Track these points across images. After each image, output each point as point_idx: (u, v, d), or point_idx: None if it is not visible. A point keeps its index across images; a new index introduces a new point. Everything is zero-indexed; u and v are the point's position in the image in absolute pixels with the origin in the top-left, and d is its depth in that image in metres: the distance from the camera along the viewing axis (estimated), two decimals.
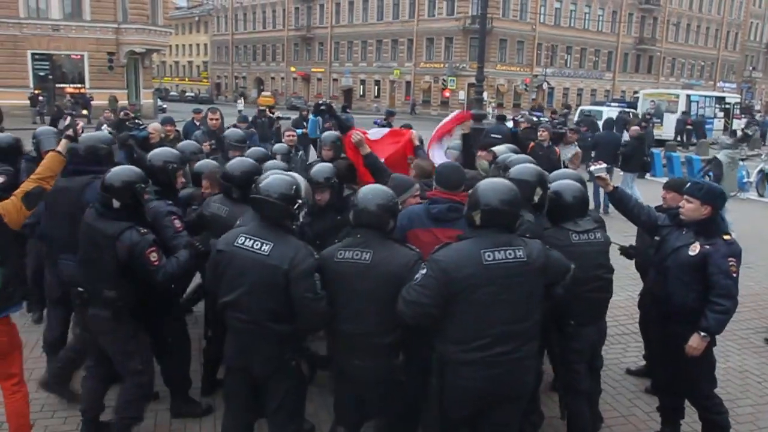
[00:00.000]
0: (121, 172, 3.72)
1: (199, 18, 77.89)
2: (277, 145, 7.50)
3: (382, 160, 5.17)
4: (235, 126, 9.47)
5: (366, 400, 3.39)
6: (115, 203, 3.62)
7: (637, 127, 14.03)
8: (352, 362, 3.26)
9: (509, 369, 3.03)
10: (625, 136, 14.44)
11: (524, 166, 3.96)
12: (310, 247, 3.32)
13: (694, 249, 3.89)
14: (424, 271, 3.01)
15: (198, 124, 11.42)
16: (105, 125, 9.91)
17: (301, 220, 3.44)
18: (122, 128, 8.49)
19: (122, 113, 11.71)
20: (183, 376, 4.44)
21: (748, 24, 68.25)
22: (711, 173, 11.25)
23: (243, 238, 3.26)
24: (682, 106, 29.77)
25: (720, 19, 64.95)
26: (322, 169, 4.78)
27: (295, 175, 3.77)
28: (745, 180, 15.43)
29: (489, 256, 2.96)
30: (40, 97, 29.98)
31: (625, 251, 4.82)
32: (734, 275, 3.85)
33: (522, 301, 3.03)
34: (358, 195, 3.31)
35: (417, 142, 5.60)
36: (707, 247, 3.86)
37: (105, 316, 3.69)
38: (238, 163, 4.41)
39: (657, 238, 4.23)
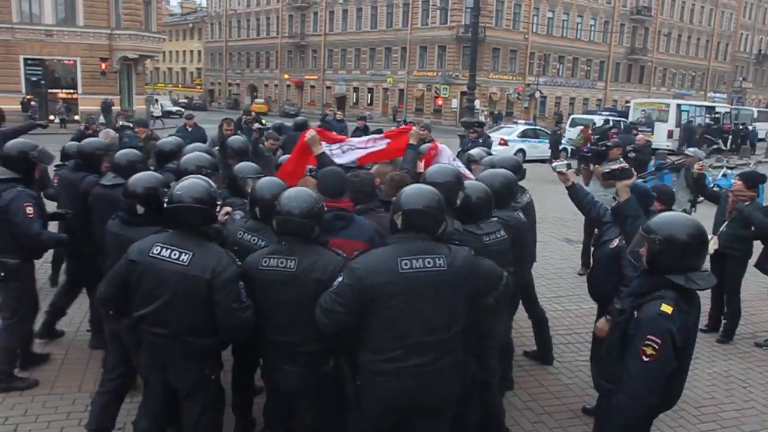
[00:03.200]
0: (143, 178, 3.73)
1: (192, 25, 77.93)
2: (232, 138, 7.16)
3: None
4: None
5: (295, 407, 3.32)
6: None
7: (642, 135, 14.28)
8: (281, 368, 3.20)
9: (426, 381, 2.92)
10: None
11: (441, 167, 3.86)
12: (231, 254, 3.18)
13: (614, 243, 4.26)
14: (340, 279, 2.92)
15: (190, 130, 11.44)
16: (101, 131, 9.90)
17: (219, 222, 3.39)
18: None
19: (119, 120, 11.72)
20: None
21: (738, 35, 68.84)
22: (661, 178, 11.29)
23: (159, 248, 3.09)
24: (672, 116, 30.00)
25: (710, 30, 65.52)
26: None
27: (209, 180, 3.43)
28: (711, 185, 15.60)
29: (406, 264, 2.86)
30: (32, 103, 29.85)
31: None
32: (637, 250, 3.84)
33: (440, 310, 2.92)
34: (281, 200, 3.14)
35: (412, 140, 5.07)
36: (623, 241, 4.12)
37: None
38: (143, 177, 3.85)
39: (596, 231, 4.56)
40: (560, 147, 22.35)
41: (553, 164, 4.93)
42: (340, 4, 57.35)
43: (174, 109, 44.62)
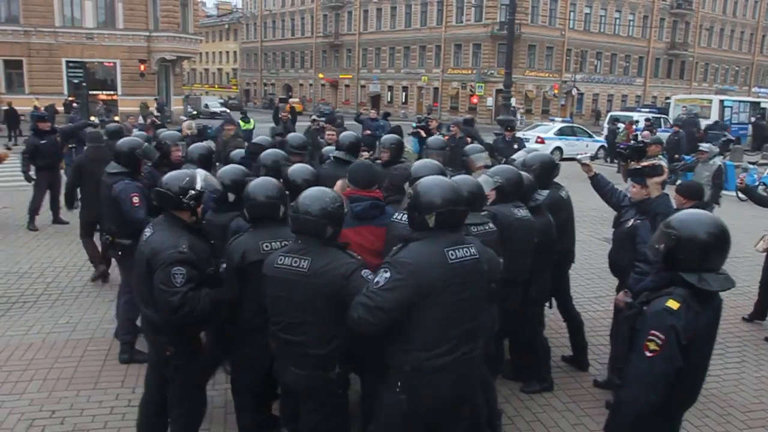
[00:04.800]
0: (231, 170, 4.36)
1: (228, 26, 78.90)
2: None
3: None
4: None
5: (300, 409, 3.30)
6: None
7: (647, 132, 14.23)
8: (288, 369, 3.18)
9: (472, 368, 3.03)
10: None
11: (426, 163, 4.12)
12: (182, 240, 3.32)
13: (630, 222, 4.88)
14: (387, 275, 2.82)
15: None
16: (135, 130, 10.23)
17: (196, 208, 3.54)
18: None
19: (149, 119, 12.08)
20: None
21: None
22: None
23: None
24: (715, 112, 29.25)
25: (755, 23, 63.66)
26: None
27: (193, 171, 3.69)
28: (756, 183, 15.22)
29: (452, 254, 2.88)
30: (74, 104, 30.59)
31: None
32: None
33: (476, 298, 3.00)
34: (298, 199, 3.16)
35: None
36: (638, 221, 4.80)
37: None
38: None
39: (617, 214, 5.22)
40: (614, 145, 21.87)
41: (578, 157, 5.70)
42: (375, 3, 57.39)
43: (219, 110, 44.68)
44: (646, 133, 14.23)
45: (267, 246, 3.39)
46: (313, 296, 3.00)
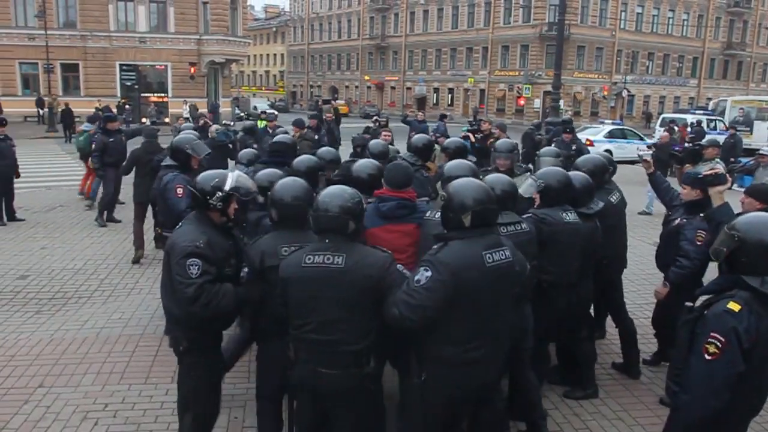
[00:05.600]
0: (305, 159, 4.70)
1: (276, 28, 79.99)
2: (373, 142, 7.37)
3: None
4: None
5: (330, 412, 3.23)
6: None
7: (666, 134, 13.88)
8: (317, 371, 3.08)
9: (497, 361, 3.16)
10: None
11: (458, 164, 4.22)
12: (203, 237, 3.33)
13: (677, 221, 5.01)
14: (429, 273, 2.88)
15: (271, 131, 11.74)
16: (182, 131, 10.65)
17: (223, 209, 3.49)
18: (204, 133, 9.55)
19: (201, 120, 12.47)
20: None
21: None
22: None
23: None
24: None
25: None
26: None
27: (226, 172, 3.69)
28: None
29: (489, 258, 2.98)
30: (127, 106, 31.51)
31: None
32: (698, 243, 4.65)
33: (508, 299, 3.13)
34: (318, 198, 3.17)
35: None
36: (684, 220, 4.91)
37: None
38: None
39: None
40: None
41: (639, 153, 6.26)
42: (421, 4, 57.35)
43: (269, 111, 45.39)
44: (665, 134, 13.77)
45: (285, 250, 3.30)
46: (349, 291, 2.99)
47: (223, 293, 3.30)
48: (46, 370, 5.13)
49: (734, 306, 2.62)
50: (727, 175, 5.10)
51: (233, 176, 3.60)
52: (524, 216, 4.16)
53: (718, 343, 2.60)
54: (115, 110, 29.54)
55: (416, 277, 2.91)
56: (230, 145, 10.29)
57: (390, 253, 3.16)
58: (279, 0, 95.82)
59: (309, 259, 3.04)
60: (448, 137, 8.82)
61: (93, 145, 10.77)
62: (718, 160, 9.66)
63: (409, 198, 3.96)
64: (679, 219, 4.98)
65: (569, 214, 4.27)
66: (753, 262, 2.67)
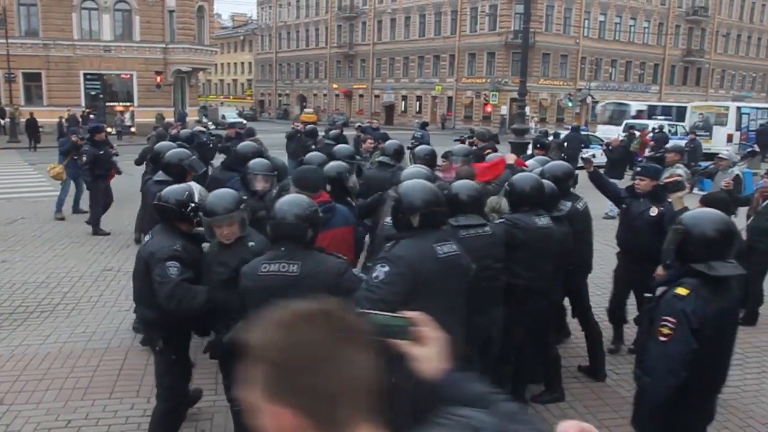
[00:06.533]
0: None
1: (243, 37, 79.57)
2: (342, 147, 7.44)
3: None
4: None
5: None
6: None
7: (617, 137, 14.43)
8: None
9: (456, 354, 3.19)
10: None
11: (415, 169, 4.46)
12: (177, 242, 3.59)
13: (654, 210, 5.36)
14: (386, 269, 3.00)
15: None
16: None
17: (193, 218, 3.74)
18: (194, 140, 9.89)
19: (197, 127, 12.92)
20: None
21: None
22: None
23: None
24: (732, 119, 28.94)
25: None
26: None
27: (189, 185, 4.05)
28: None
29: (440, 250, 3.15)
30: (91, 116, 30.98)
31: None
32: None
33: (460, 291, 3.26)
34: (275, 206, 3.23)
35: (509, 161, 6.02)
36: (662, 208, 5.31)
37: None
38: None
39: (624, 206, 5.75)
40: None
41: (582, 155, 5.97)
42: (389, 13, 57.64)
43: (235, 120, 44.78)
44: (615, 138, 14.07)
45: (265, 268, 3.19)
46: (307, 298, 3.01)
47: (195, 293, 3.52)
48: (6, 387, 5.01)
49: (682, 291, 2.89)
50: (686, 182, 5.72)
51: (197, 189, 3.92)
52: (498, 221, 4.24)
53: (671, 325, 2.86)
54: (80, 120, 29.21)
55: (374, 274, 3.01)
56: (210, 146, 10.55)
57: (345, 259, 3.26)
58: (246, 8, 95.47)
59: (265, 267, 3.10)
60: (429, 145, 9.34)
61: (84, 158, 10.57)
62: (679, 165, 9.89)
63: (324, 201, 4.11)
64: (653, 207, 5.36)
65: (542, 218, 4.33)
66: (697, 251, 2.95)
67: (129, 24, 34.42)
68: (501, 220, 4.28)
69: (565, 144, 16.99)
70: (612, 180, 7.46)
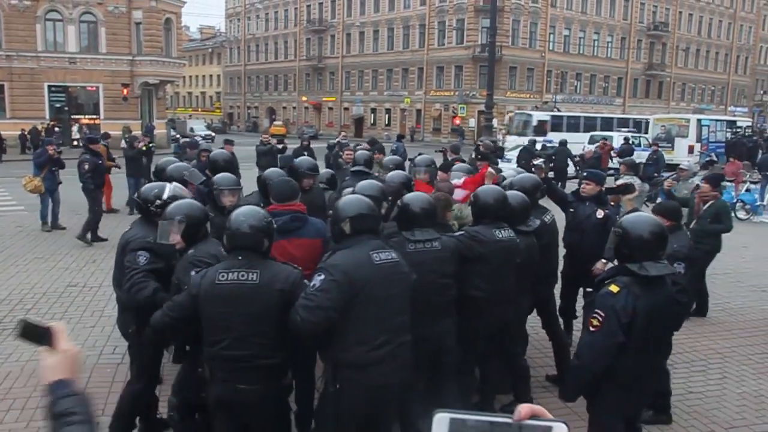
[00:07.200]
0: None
1: (212, 49, 79.12)
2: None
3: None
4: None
5: (248, 426, 3.33)
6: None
7: (591, 149, 14.73)
8: (236, 387, 3.15)
9: (408, 358, 3.36)
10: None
11: (368, 183, 4.52)
12: (148, 233, 3.82)
13: (600, 213, 5.67)
14: (322, 277, 3.11)
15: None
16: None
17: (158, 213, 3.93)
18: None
19: (141, 144, 12.72)
20: None
21: (758, 48, 68.23)
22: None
23: None
24: (693, 131, 29.69)
25: (729, 44, 65.03)
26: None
27: (165, 183, 4.37)
28: (758, 203, 15.33)
29: (377, 257, 3.25)
30: (56, 128, 30.45)
31: None
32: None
33: (402, 295, 3.34)
34: (231, 217, 3.27)
35: (488, 182, 5.81)
36: (607, 211, 5.70)
37: None
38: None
39: (571, 210, 5.97)
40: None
41: (534, 162, 6.59)
42: (357, 26, 57.90)
43: (204, 133, 43.98)
44: (589, 150, 14.45)
45: (223, 276, 3.17)
46: (263, 306, 3.11)
47: (145, 286, 3.70)
48: None
49: (614, 288, 3.22)
50: (636, 185, 6.19)
51: (170, 187, 4.18)
52: (457, 233, 4.28)
53: (600, 318, 3.20)
54: (43, 133, 28.70)
55: (312, 283, 3.13)
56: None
57: (300, 270, 3.32)
58: (214, 21, 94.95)
59: (223, 276, 3.11)
60: (404, 157, 10.23)
61: (86, 166, 10.87)
62: (632, 174, 10.39)
63: (298, 210, 4.21)
64: (599, 210, 5.72)
65: (503, 231, 4.33)
66: (632, 252, 3.29)
67: (95, 36, 33.93)
68: (460, 233, 4.31)
69: (553, 157, 17.84)
70: None
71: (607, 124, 34.32)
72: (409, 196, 4.12)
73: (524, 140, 22.94)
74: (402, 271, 3.36)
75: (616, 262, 4.18)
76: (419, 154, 6.98)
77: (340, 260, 3.18)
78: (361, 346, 3.15)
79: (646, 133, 31.00)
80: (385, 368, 3.18)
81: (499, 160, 12.72)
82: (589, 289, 3.46)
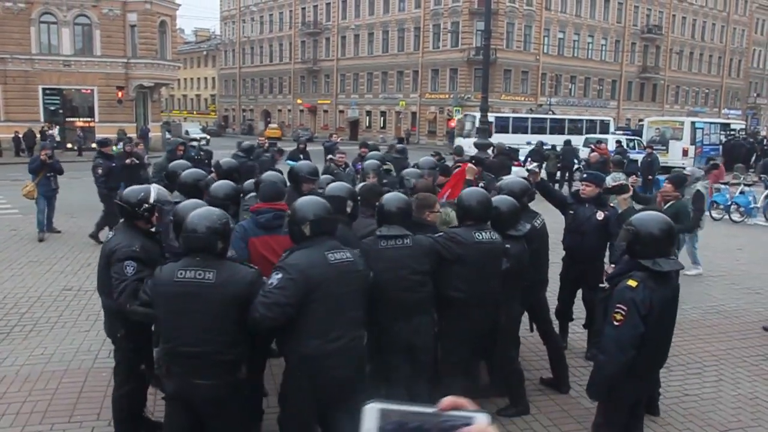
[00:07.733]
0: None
1: (207, 52, 79.04)
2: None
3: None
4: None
5: (205, 419, 3.41)
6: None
7: (596, 154, 14.86)
8: (192, 382, 3.28)
9: (361, 352, 3.56)
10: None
11: (337, 184, 4.59)
12: (136, 242, 3.82)
13: (600, 215, 5.79)
14: (279, 276, 3.28)
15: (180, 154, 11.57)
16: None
17: (151, 218, 4.01)
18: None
19: (127, 147, 12.40)
20: None
21: (751, 51, 68.62)
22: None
23: None
24: (687, 134, 29.82)
25: (723, 47, 65.36)
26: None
27: (149, 186, 4.32)
28: (752, 206, 15.37)
29: (332, 257, 3.40)
30: (49, 132, 30.35)
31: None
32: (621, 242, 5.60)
33: (357, 292, 3.51)
34: (187, 219, 3.36)
35: (469, 176, 6.03)
36: (606, 213, 5.81)
37: None
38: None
39: (571, 212, 6.05)
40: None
41: (527, 166, 6.62)
42: (352, 29, 57.95)
43: (199, 136, 43.65)
44: (594, 155, 14.47)
45: (181, 274, 3.27)
46: (219, 304, 3.22)
47: (135, 297, 3.67)
48: None
49: (632, 282, 3.41)
50: (630, 185, 6.43)
51: (155, 189, 4.17)
52: (437, 234, 4.30)
53: (623, 311, 3.38)
54: (38, 135, 28.61)
55: (270, 281, 3.29)
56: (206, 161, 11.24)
57: (257, 269, 3.46)
58: (209, 23, 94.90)
59: (181, 274, 3.23)
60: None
61: (100, 171, 10.93)
62: (620, 173, 10.53)
63: (281, 209, 4.26)
64: (599, 212, 5.82)
65: (483, 233, 4.30)
66: (645, 249, 3.47)
67: (89, 38, 33.84)
68: (440, 234, 4.34)
69: (560, 156, 19.07)
70: None
71: (560, 127, 34.76)
72: (386, 196, 4.27)
73: (470, 141, 23.28)
74: (356, 269, 3.51)
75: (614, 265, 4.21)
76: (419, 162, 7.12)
77: (298, 260, 3.35)
78: (316, 339, 3.32)
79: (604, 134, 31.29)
80: (339, 360, 3.36)
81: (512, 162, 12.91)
82: (602, 285, 3.64)
